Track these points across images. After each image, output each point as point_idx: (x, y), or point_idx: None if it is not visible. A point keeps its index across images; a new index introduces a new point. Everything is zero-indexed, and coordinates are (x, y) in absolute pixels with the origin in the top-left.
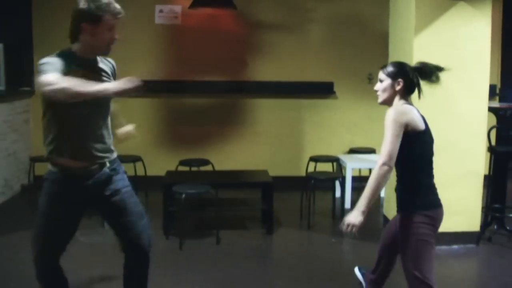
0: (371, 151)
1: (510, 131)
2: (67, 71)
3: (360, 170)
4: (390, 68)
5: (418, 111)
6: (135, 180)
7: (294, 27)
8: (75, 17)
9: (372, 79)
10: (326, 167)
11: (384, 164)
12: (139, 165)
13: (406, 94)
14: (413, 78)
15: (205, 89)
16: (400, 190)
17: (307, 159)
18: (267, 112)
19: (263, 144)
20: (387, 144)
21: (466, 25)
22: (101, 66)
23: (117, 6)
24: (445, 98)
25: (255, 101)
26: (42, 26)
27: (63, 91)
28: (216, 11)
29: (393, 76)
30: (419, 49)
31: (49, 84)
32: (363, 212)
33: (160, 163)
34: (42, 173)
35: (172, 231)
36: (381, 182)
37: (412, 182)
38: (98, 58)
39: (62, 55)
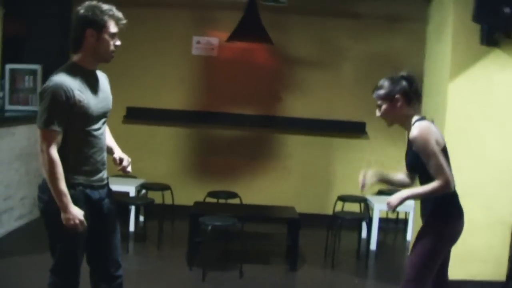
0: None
1: None
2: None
3: (387, 212)
4: (381, 91)
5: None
6: (162, 208)
7: (328, 64)
8: (78, 24)
9: None
10: (354, 207)
11: (446, 185)
12: (167, 193)
13: (408, 104)
14: (407, 87)
15: (236, 121)
16: (427, 202)
17: (334, 197)
18: (297, 148)
19: (291, 180)
20: (442, 167)
21: (501, 72)
22: (103, 80)
23: (119, 13)
24: (476, 143)
25: (285, 137)
26: None
27: (46, 164)
28: (251, 45)
29: (388, 98)
30: (453, 93)
31: (42, 150)
32: (404, 198)
33: (187, 193)
34: None
35: (195, 262)
36: (434, 195)
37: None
38: (97, 73)
39: (67, 71)
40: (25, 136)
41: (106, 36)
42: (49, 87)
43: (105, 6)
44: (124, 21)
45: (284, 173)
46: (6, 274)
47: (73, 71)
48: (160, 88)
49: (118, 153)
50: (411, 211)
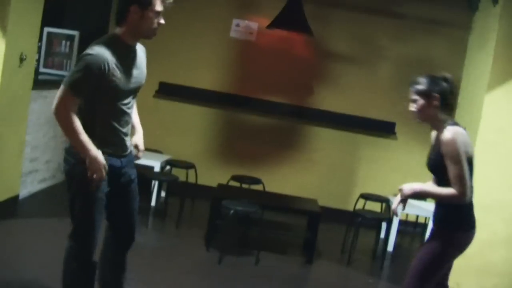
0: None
1: None
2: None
3: (407, 215)
4: (420, 86)
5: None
6: (185, 187)
7: (364, 61)
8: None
9: None
10: (375, 206)
11: (462, 196)
12: (191, 172)
13: (444, 106)
14: (446, 89)
15: (267, 108)
16: (441, 208)
17: (356, 194)
18: (324, 141)
19: (315, 173)
20: (463, 176)
21: None
22: (141, 55)
23: None
24: (505, 156)
25: (314, 129)
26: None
27: (62, 123)
28: (291, 34)
29: (427, 94)
30: (489, 104)
31: (57, 107)
32: (415, 191)
33: (211, 174)
34: None
35: (213, 244)
36: (445, 201)
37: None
38: (137, 47)
39: (109, 43)
40: None
41: (150, 14)
42: (88, 55)
43: None
44: (171, 0)
45: (308, 165)
46: (25, 235)
47: (114, 44)
48: (195, 66)
49: (137, 137)
50: (431, 216)
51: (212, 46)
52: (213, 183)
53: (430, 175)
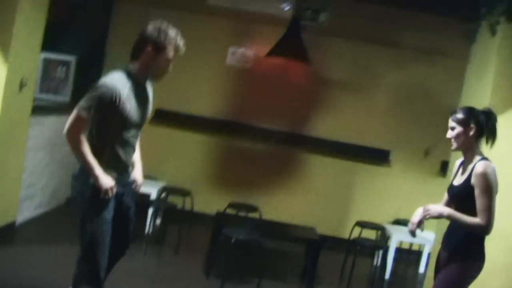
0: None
1: None
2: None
3: (401, 242)
4: (460, 115)
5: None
6: (181, 214)
7: (361, 89)
8: (142, 37)
9: (428, 154)
10: (370, 233)
11: (486, 228)
12: (187, 199)
13: (479, 138)
14: (484, 122)
15: (263, 135)
16: (459, 234)
17: (351, 221)
18: (320, 168)
19: (311, 200)
20: (490, 210)
21: None
22: (148, 92)
23: (182, 42)
24: (505, 186)
25: (310, 156)
26: (117, 44)
27: (72, 144)
28: (286, 61)
29: (464, 123)
30: None
31: (69, 128)
32: (442, 214)
33: (207, 201)
34: None
35: (213, 272)
36: (469, 229)
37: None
38: (147, 83)
39: (123, 75)
40: (54, 126)
41: (162, 58)
42: (104, 85)
43: (172, 33)
44: (183, 51)
45: (304, 192)
46: (21, 262)
47: (127, 77)
48: (191, 93)
49: (137, 172)
50: (426, 243)
51: (208, 74)
52: (209, 210)
53: (421, 201)
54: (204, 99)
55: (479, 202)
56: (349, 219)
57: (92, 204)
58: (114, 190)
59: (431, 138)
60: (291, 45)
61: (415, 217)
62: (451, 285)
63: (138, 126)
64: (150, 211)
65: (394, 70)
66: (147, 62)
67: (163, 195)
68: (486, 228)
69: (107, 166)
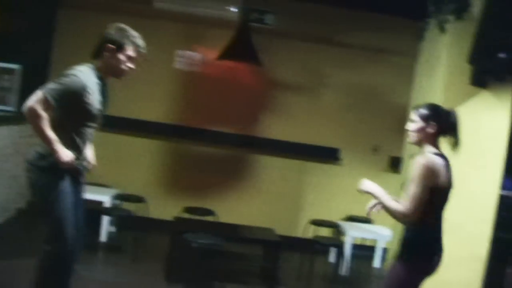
0: (368, 221)
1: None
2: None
3: (353, 238)
4: (423, 111)
5: (446, 160)
6: (136, 221)
7: (310, 90)
8: (102, 38)
9: (377, 151)
10: (324, 231)
11: (407, 214)
12: (142, 205)
13: (435, 138)
14: (446, 122)
15: (214, 138)
16: (408, 234)
17: (303, 220)
18: (271, 169)
19: (264, 201)
20: (416, 198)
21: (486, 113)
22: (108, 89)
23: (142, 42)
24: (457, 180)
25: (260, 157)
26: (62, 52)
27: (32, 119)
28: (236, 64)
29: (425, 119)
30: None
31: (32, 104)
32: (373, 193)
33: (161, 207)
34: None
35: (174, 278)
36: (391, 214)
37: (416, 230)
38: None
39: (89, 69)
40: (1, 136)
41: (121, 56)
42: (72, 75)
43: (131, 32)
44: (144, 51)
45: (257, 193)
46: None
47: (93, 72)
48: (140, 98)
49: (88, 152)
50: (380, 239)
51: (157, 78)
52: (165, 216)
53: (372, 198)
54: (153, 104)
55: (410, 189)
56: (302, 218)
57: (54, 181)
58: (73, 160)
59: (379, 135)
60: (242, 47)
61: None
62: (396, 284)
63: (97, 120)
64: (105, 219)
65: (343, 70)
66: (108, 60)
67: (117, 202)
68: (403, 214)
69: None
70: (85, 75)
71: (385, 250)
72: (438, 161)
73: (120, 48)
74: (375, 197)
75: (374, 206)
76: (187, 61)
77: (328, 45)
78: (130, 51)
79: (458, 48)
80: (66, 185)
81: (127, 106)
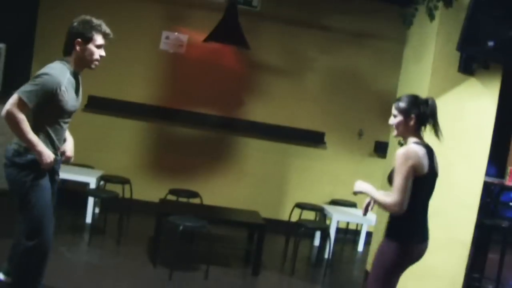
0: (353, 204)
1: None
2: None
3: (338, 222)
4: (402, 104)
5: (428, 149)
6: (121, 202)
7: (294, 73)
8: (69, 34)
9: (362, 135)
10: (308, 215)
11: (395, 206)
12: (126, 187)
13: (417, 128)
14: (425, 112)
15: (198, 120)
16: (391, 220)
17: (289, 203)
18: (255, 152)
19: (248, 183)
20: (400, 189)
21: (473, 100)
22: (81, 82)
23: (107, 28)
24: (443, 166)
25: (245, 140)
26: (46, 29)
27: (12, 123)
28: (221, 46)
29: (405, 112)
30: None
31: (10, 109)
32: (364, 191)
33: (146, 188)
34: None
35: (159, 260)
36: (382, 207)
37: (403, 216)
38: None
39: (62, 66)
40: None
41: (92, 47)
42: (46, 75)
43: (95, 22)
44: (111, 36)
45: (241, 176)
46: None
47: (66, 69)
48: (124, 79)
49: (67, 145)
50: (364, 222)
51: (141, 59)
52: (148, 198)
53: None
54: (138, 85)
55: (394, 181)
56: (287, 201)
57: (34, 178)
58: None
59: (364, 119)
60: (229, 30)
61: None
62: (385, 272)
63: (72, 113)
64: (91, 200)
65: (328, 53)
66: (78, 54)
67: (101, 183)
68: (395, 207)
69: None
70: (58, 73)
71: (369, 234)
72: (418, 149)
73: (88, 40)
74: (368, 195)
75: (369, 204)
76: (172, 43)
77: (314, 29)
78: (99, 40)
79: (446, 35)
80: (44, 181)
81: (113, 88)
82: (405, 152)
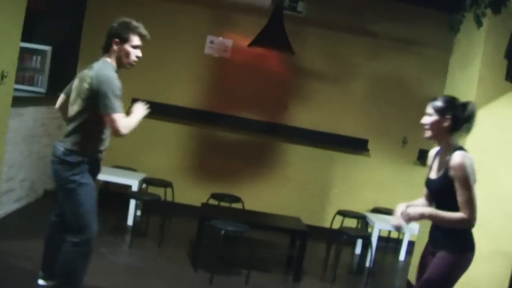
0: None
1: None
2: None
3: (380, 230)
4: (438, 103)
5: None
6: (163, 205)
7: (338, 79)
8: (108, 34)
9: (406, 143)
10: (350, 222)
11: (472, 221)
12: (168, 190)
13: (451, 131)
14: (462, 115)
15: (241, 125)
16: (445, 230)
17: (331, 211)
18: (298, 158)
19: (291, 189)
20: (472, 202)
21: None
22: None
23: (144, 30)
24: (489, 176)
25: (288, 146)
26: (92, 33)
27: (128, 131)
28: (265, 51)
29: (441, 112)
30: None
31: (125, 127)
32: (423, 215)
33: (187, 192)
34: None
35: (200, 264)
36: (454, 226)
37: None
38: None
39: (111, 67)
40: (32, 117)
41: (128, 47)
42: (112, 77)
43: (133, 23)
44: (148, 37)
45: (284, 181)
46: (5, 255)
47: (112, 68)
48: (168, 83)
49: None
50: (406, 231)
51: (186, 63)
52: (190, 201)
53: (399, 190)
54: (182, 89)
55: (460, 195)
56: (329, 208)
57: (82, 177)
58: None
59: (408, 126)
60: (275, 35)
61: (396, 220)
62: (442, 279)
63: None
64: (133, 202)
65: (373, 60)
66: (116, 53)
67: (144, 186)
68: (470, 221)
69: (95, 150)
70: (114, 74)
71: (411, 243)
72: (470, 155)
73: (125, 40)
74: (429, 218)
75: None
76: (216, 47)
77: (359, 35)
78: (136, 41)
79: (494, 42)
80: (90, 180)
81: (157, 91)
82: (465, 161)
